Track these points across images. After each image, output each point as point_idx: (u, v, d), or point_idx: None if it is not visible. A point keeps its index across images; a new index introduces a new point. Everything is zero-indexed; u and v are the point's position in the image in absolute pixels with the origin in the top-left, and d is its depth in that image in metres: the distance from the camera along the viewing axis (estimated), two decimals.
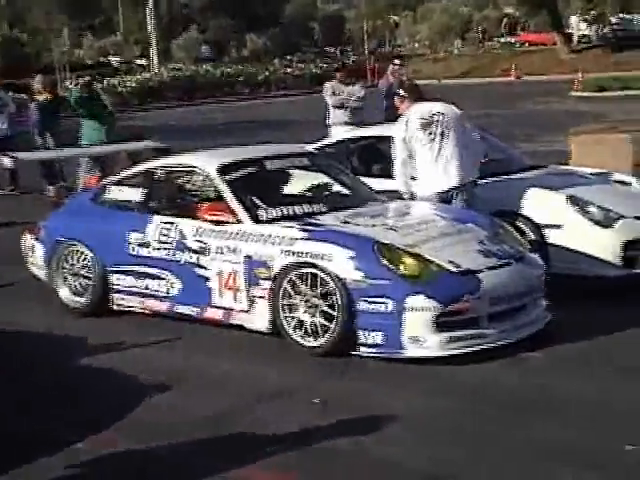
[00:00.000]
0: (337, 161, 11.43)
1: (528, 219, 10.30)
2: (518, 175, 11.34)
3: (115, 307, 10.16)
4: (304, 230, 8.91)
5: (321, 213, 9.51)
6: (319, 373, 8.20)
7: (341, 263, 8.40)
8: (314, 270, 8.54)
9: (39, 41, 68.79)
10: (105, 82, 45.77)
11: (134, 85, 48.13)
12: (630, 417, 6.88)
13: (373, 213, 9.52)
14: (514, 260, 8.90)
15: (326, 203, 9.91)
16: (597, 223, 10.13)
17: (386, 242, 8.60)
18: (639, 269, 10.09)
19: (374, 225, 9.10)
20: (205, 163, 10.11)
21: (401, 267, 8.32)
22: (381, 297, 8.22)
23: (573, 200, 10.33)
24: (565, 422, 6.82)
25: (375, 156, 12.30)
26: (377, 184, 10.90)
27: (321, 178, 10.60)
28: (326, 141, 12.79)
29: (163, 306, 9.81)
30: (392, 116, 16.11)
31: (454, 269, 8.45)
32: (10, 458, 6.46)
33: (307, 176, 10.64)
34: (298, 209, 9.57)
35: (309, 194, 10.35)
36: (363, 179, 11.02)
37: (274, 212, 9.43)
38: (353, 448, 6.48)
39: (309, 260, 8.60)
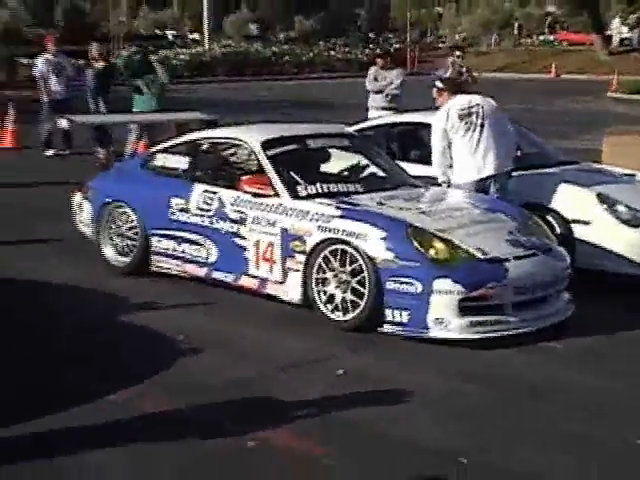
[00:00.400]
0: (376, 144, 11.43)
1: (557, 213, 10.24)
2: (550, 170, 11.23)
3: (154, 269, 10.18)
4: (340, 208, 8.89)
5: (357, 193, 9.47)
6: (344, 346, 8.18)
7: (373, 243, 8.38)
8: (347, 247, 8.53)
9: (98, 11, 68.97)
10: (159, 54, 45.77)
11: (187, 59, 48.13)
12: (636, 410, 6.86)
13: (407, 197, 9.49)
14: (541, 252, 8.83)
15: (362, 184, 9.87)
16: (625, 222, 10.07)
17: (418, 226, 8.58)
18: None
19: (408, 208, 9.05)
20: (250, 137, 10.09)
21: (431, 251, 8.29)
22: (409, 278, 8.20)
23: (602, 198, 10.25)
24: (574, 412, 6.81)
25: (413, 142, 12.23)
26: (414, 170, 10.85)
27: (359, 159, 10.56)
28: (367, 123, 12.72)
29: (200, 271, 9.82)
30: None
31: (482, 256, 8.41)
32: (42, 409, 6.50)
33: (346, 156, 10.60)
34: (335, 188, 9.53)
35: (347, 174, 10.32)
36: (401, 164, 10.96)
37: (312, 189, 9.41)
38: (368, 420, 6.50)
39: (343, 237, 8.58)
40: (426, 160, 11.09)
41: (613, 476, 5.79)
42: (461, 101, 10.38)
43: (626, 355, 8.17)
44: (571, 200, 10.35)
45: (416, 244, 8.33)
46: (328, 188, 9.48)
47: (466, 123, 10.15)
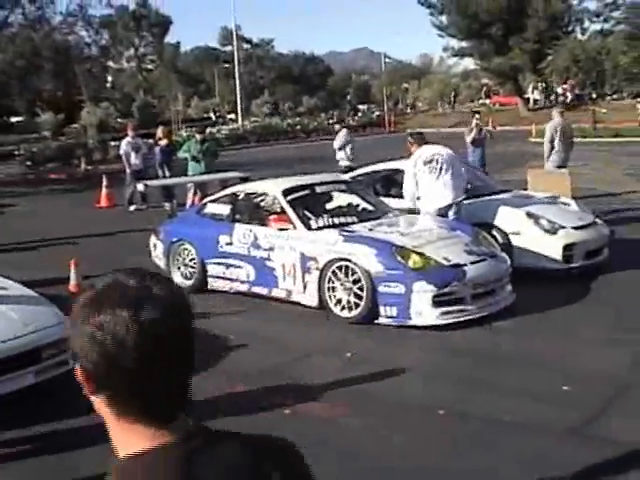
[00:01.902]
0: (365, 186, 11.37)
1: (499, 228, 10.22)
2: (492, 197, 11.26)
3: (210, 287, 10.10)
4: (342, 235, 8.86)
5: (354, 223, 9.42)
6: (352, 335, 8.14)
7: (368, 259, 8.36)
8: (349, 263, 8.48)
9: (163, 103, 69.56)
10: (208, 130, 46.05)
11: (227, 132, 48.33)
12: (565, 366, 6.88)
13: (390, 223, 9.43)
14: (489, 257, 8.83)
15: (357, 216, 9.82)
16: (546, 231, 10.12)
17: (400, 244, 8.55)
18: (574, 264, 10.06)
19: (391, 232, 9.00)
20: (273, 188, 10.08)
21: (410, 262, 8.27)
22: (395, 282, 8.18)
23: (529, 215, 10.34)
24: (521, 368, 6.91)
25: (392, 183, 12.17)
26: (393, 203, 10.82)
27: (353, 198, 10.48)
28: (359, 171, 12.65)
29: (243, 287, 9.74)
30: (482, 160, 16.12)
31: (447, 263, 8.41)
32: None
33: (344, 197, 10.51)
34: (337, 220, 9.49)
35: (345, 210, 10.23)
36: (383, 199, 10.95)
37: (321, 222, 9.37)
38: (373, 389, 6.56)
39: (345, 256, 8.54)
40: (400, 195, 11.13)
41: (548, 410, 5.90)
42: (427, 151, 10.35)
43: (552, 327, 8.15)
44: (508, 218, 10.33)
45: (399, 258, 8.30)
46: (332, 221, 9.43)
47: (430, 167, 10.12)
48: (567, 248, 10.02)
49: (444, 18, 59.90)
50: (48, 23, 47.98)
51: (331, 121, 18.88)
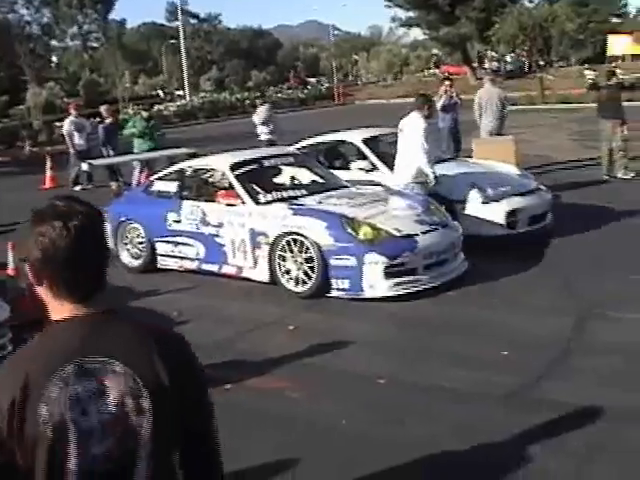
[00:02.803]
0: (313, 158, 11.26)
1: (442, 197, 9.99)
2: (436, 165, 11.10)
3: (159, 266, 9.93)
4: (291, 209, 8.73)
5: (303, 196, 9.29)
6: (296, 310, 8.09)
7: (318, 232, 8.25)
8: (299, 237, 8.36)
9: (109, 82, 68.62)
10: (155, 108, 45.56)
11: (175, 109, 47.82)
12: (508, 332, 6.90)
13: (340, 195, 9.28)
14: (441, 226, 8.75)
15: (306, 189, 9.67)
16: (490, 198, 10.09)
17: (350, 216, 8.43)
18: (518, 230, 10.08)
19: (341, 204, 8.86)
20: (220, 163, 9.90)
21: (360, 233, 8.16)
22: (347, 255, 8.07)
23: (473, 183, 10.28)
24: (466, 337, 6.92)
25: (336, 154, 12.14)
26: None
27: (303, 171, 10.30)
28: (302, 143, 12.42)
29: (193, 265, 9.59)
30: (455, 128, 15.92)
31: (398, 234, 8.30)
32: None
33: (293, 170, 10.35)
34: (286, 194, 9.35)
35: (294, 183, 10.07)
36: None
37: (270, 196, 9.21)
38: (316, 360, 6.57)
39: (295, 230, 8.41)
40: (345, 166, 11.26)
41: (488, 376, 5.94)
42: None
43: (497, 294, 8.16)
44: (451, 186, 10.23)
45: (349, 229, 8.19)
46: (281, 194, 9.28)
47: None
48: (510, 214, 10.01)
49: None
50: None
51: (258, 100, 18.73)
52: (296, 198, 9.18)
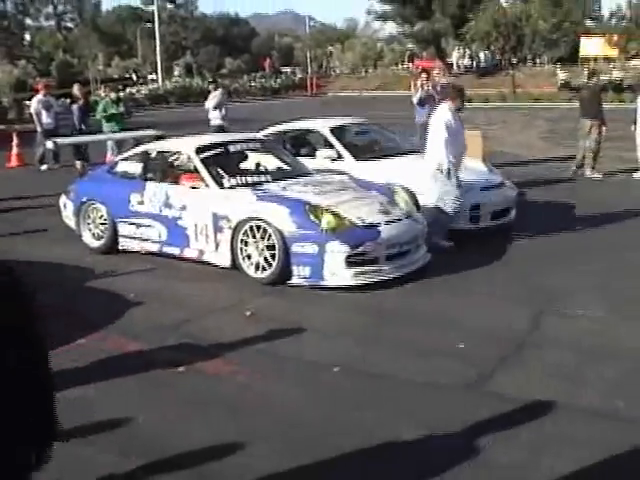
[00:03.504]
0: (279, 145, 11.17)
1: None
2: (401, 157, 11.25)
3: (121, 247, 9.81)
4: (255, 194, 8.64)
5: (267, 182, 9.19)
6: (253, 294, 8.04)
7: (281, 218, 8.16)
8: (261, 223, 8.28)
9: (83, 63, 67.90)
10: (127, 90, 45.17)
11: (147, 93, 47.44)
12: (465, 325, 6.91)
13: (305, 182, 9.20)
14: (404, 217, 8.69)
15: (271, 175, 9.58)
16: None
17: (313, 203, 8.35)
18: (481, 224, 10.09)
19: (305, 191, 8.78)
20: (186, 146, 9.78)
21: (323, 221, 8.07)
22: (309, 242, 8.01)
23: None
24: (424, 328, 6.88)
25: (301, 142, 12.08)
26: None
27: (269, 157, 10.23)
28: (269, 130, 12.31)
29: (154, 247, 9.47)
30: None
31: (360, 223, 8.25)
32: None
33: (259, 156, 10.27)
34: (251, 179, 9.26)
35: (259, 168, 9.99)
36: None
37: (234, 181, 9.11)
38: (270, 347, 6.53)
39: (258, 215, 8.33)
40: (310, 154, 11.24)
41: (444, 367, 5.94)
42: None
43: (456, 286, 8.17)
44: (415, 178, 10.15)
45: (312, 217, 8.12)
46: (246, 180, 9.19)
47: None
48: (474, 208, 10.00)
49: None
50: None
51: (210, 83, 18.71)
52: (261, 184, 9.09)
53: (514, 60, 55.61)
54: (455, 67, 60.46)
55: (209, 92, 17.66)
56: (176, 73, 62.91)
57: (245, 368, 6.02)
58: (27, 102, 30.73)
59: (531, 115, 29.94)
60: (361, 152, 11.35)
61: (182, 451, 4.72)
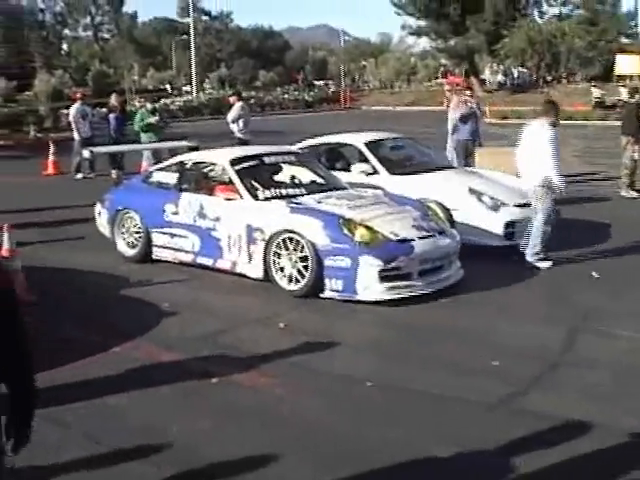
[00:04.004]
0: (314, 158, 11.22)
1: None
2: (435, 172, 11.25)
3: (154, 257, 9.87)
4: (289, 206, 8.68)
5: (302, 195, 9.22)
6: (287, 306, 8.05)
7: (314, 231, 8.19)
8: (295, 235, 8.31)
9: (118, 73, 68.69)
10: (162, 101, 45.56)
11: (181, 104, 47.81)
12: (498, 342, 6.88)
13: (339, 196, 9.21)
14: (437, 233, 8.69)
15: (306, 188, 9.61)
16: (488, 208, 10.08)
17: (347, 217, 8.38)
18: (515, 241, 9.95)
19: (340, 205, 8.80)
20: (221, 157, 9.85)
21: (357, 235, 8.09)
22: (342, 256, 8.02)
23: (472, 191, 10.29)
24: (457, 344, 6.86)
25: (337, 156, 12.10)
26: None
27: (303, 170, 10.26)
28: (304, 143, 12.35)
29: (187, 258, 9.53)
30: (476, 135, 15.50)
31: (394, 238, 8.25)
32: (61, 357, 6.46)
33: (294, 168, 10.29)
34: (285, 191, 9.30)
35: (294, 181, 10.01)
36: None
37: (268, 193, 9.16)
38: (304, 360, 6.51)
39: (292, 228, 8.36)
40: (346, 168, 11.27)
41: (477, 384, 5.91)
42: None
43: (489, 303, 8.13)
44: (450, 193, 10.28)
45: (346, 230, 8.14)
46: (280, 192, 9.23)
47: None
48: (509, 225, 9.96)
49: None
50: None
51: (230, 93, 18.71)
52: (295, 196, 9.11)
53: (548, 77, 55.50)
54: (488, 83, 60.38)
55: (231, 105, 17.47)
56: (207, 85, 63.27)
57: (279, 381, 6.03)
58: (64, 111, 31.16)
59: (565, 133, 29.71)
60: (396, 167, 11.34)
61: (216, 461, 4.73)
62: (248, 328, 7.47)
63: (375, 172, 11.00)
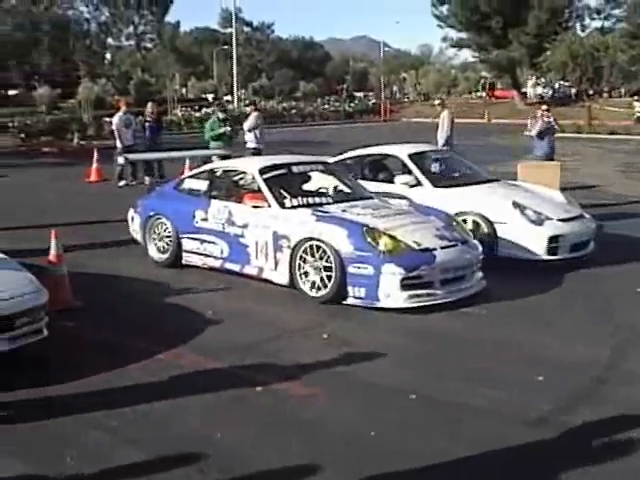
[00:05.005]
0: (344, 168, 11.40)
1: (485, 217, 10.13)
2: (479, 186, 11.23)
3: (184, 262, 10.12)
4: (314, 215, 8.87)
5: (328, 204, 9.41)
6: (329, 316, 8.10)
7: (339, 239, 8.36)
8: (320, 243, 8.49)
9: (160, 82, 69.50)
10: (203, 111, 46.04)
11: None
12: (542, 356, 6.84)
13: (364, 206, 9.39)
14: (460, 243, 8.82)
15: (332, 197, 9.82)
16: (532, 222, 10.04)
17: (371, 226, 8.54)
18: (559, 256, 9.98)
19: (364, 214, 8.97)
20: (250, 165, 10.09)
21: (380, 244, 8.25)
22: (365, 264, 8.18)
23: (515, 204, 10.26)
24: (499, 356, 6.85)
25: (380, 167, 12.17)
26: (380, 187, 10.96)
27: (331, 180, 10.46)
28: (348, 154, 12.51)
29: (216, 263, 9.76)
30: (551, 152, 15.50)
31: (416, 247, 8.40)
32: (106, 362, 6.61)
33: (322, 178, 10.50)
34: (312, 200, 9.48)
35: (321, 190, 10.22)
36: (370, 183, 11.07)
37: (295, 201, 9.35)
38: (347, 370, 6.51)
39: (317, 236, 8.54)
40: (389, 180, 11.33)
41: (520, 398, 5.85)
42: None
43: (533, 316, 8.14)
44: (494, 207, 10.29)
45: (369, 239, 8.30)
46: (307, 201, 9.42)
47: None
48: (552, 240, 9.92)
49: (444, 9, 59.94)
50: None
51: (247, 103, 18.84)
52: (321, 205, 9.31)
53: (590, 91, 55.16)
54: (529, 96, 60.15)
55: (247, 115, 17.42)
56: (243, 96, 63.69)
57: (322, 391, 6.05)
58: (107, 119, 31.70)
59: (606, 147, 29.65)
60: (440, 179, 11.37)
61: (258, 470, 4.78)
62: (291, 337, 7.49)
63: (418, 184, 11.04)
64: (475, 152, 21.07)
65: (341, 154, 12.60)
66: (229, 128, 17.22)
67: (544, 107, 16.23)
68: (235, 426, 5.41)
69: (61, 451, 4.99)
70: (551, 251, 9.94)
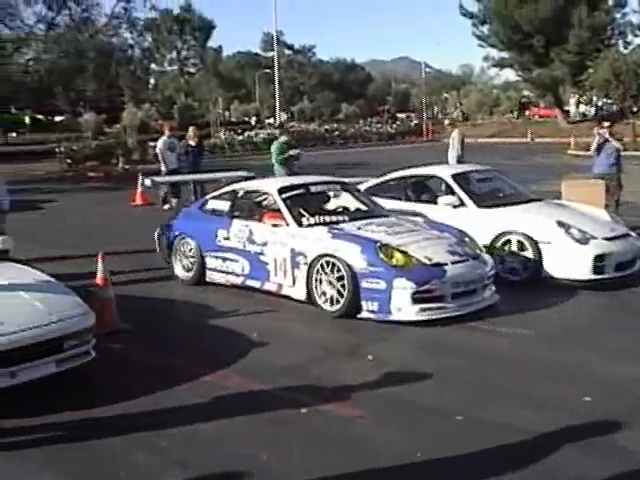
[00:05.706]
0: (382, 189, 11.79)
1: (529, 237, 10.18)
2: (523, 205, 11.24)
3: (208, 279, 10.50)
4: (330, 232, 9.21)
5: (344, 222, 9.72)
6: (371, 338, 8.17)
7: (352, 255, 8.68)
8: (334, 260, 8.82)
9: (203, 106, 70.40)
10: (246, 134, 46.55)
11: (264, 136, 48.64)
12: (589, 377, 6.82)
13: (379, 223, 9.68)
14: (471, 258, 9.08)
15: (349, 215, 10.14)
16: (577, 241, 10.01)
17: (384, 242, 8.85)
18: (605, 275, 9.98)
19: (378, 231, 9.29)
20: (269, 186, 10.49)
21: (392, 259, 8.56)
22: (377, 279, 8.49)
23: (560, 224, 10.24)
24: (544, 377, 6.83)
25: (423, 188, 12.28)
26: (421, 208, 11.19)
27: (348, 199, 10.80)
28: (389, 176, 12.63)
29: (238, 280, 10.12)
30: (616, 167, 15.23)
31: (428, 262, 8.69)
32: (153, 384, 6.79)
33: (338, 196, 10.86)
34: (328, 218, 9.82)
35: (337, 209, 10.58)
36: (414, 204, 11.44)
37: (312, 220, 9.70)
38: (392, 392, 6.58)
39: (332, 253, 8.88)
40: (432, 200, 11.47)
41: (568, 420, 5.83)
42: None
43: (579, 337, 8.12)
44: (538, 226, 10.29)
45: (382, 255, 8.60)
46: (323, 219, 9.75)
47: None
48: (598, 259, 9.90)
49: (485, 28, 59.96)
50: (93, 24, 48.79)
51: (275, 124, 18.91)
52: (337, 223, 9.63)
53: (634, 108, 54.69)
54: (572, 114, 59.82)
55: (275, 138, 17.06)
56: (283, 118, 64.11)
57: (367, 413, 6.07)
58: (151, 143, 32.32)
59: None
60: (483, 199, 11.34)
61: None
62: (336, 359, 7.58)
63: (462, 204, 11.07)
64: (519, 171, 21.04)
65: (383, 175, 12.75)
66: (298, 150, 17.19)
67: (606, 124, 15.67)
68: (280, 447, 5.49)
69: (113, 472, 5.16)
70: (597, 270, 9.89)
